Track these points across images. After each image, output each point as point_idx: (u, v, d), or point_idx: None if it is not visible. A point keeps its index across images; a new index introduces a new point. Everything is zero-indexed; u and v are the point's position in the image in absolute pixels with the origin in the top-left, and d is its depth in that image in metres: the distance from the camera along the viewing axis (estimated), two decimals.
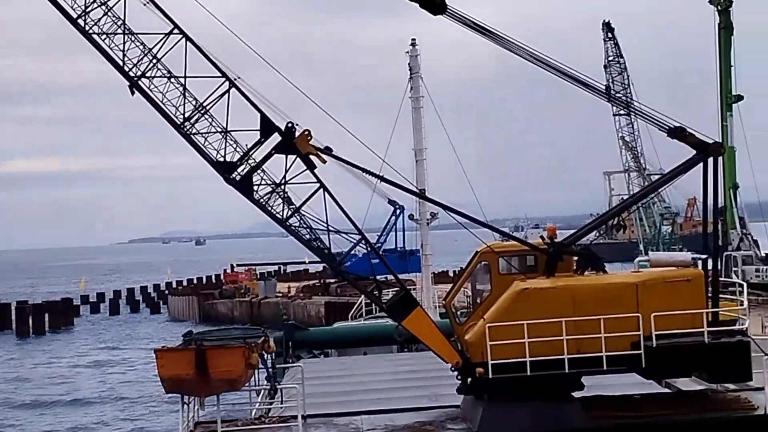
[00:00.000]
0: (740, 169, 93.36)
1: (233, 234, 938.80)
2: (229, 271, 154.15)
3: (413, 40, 58.47)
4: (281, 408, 30.26)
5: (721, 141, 30.88)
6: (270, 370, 29.93)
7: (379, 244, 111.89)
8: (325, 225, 28.44)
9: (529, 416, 26.60)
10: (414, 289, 61.19)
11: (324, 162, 27.91)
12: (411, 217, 62.14)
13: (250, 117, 28.21)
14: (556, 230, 29.43)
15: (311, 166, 27.85)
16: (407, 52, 58.42)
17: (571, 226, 37.16)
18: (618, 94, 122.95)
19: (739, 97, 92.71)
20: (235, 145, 28.32)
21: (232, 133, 28.29)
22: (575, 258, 29.02)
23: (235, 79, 27.80)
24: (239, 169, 28.21)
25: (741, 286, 29.64)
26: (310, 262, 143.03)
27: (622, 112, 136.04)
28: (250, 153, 28.23)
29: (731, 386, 29.71)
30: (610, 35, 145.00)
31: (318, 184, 27.89)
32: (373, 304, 49.74)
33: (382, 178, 29.18)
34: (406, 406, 30.27)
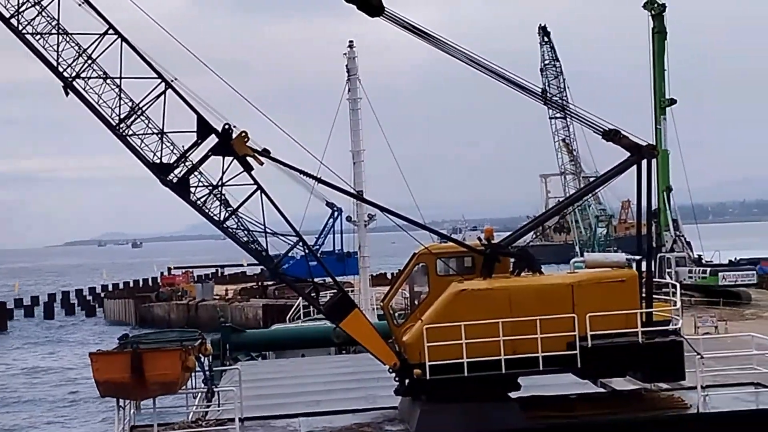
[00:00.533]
0: (673, 171, 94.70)
1: (170, 236, 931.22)
2: (166, 273, 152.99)
3: (351, 42, 58.53)
4: (218, 411, 30.09)
5: (654, 144, 31.25)
6: (207, 373, 29.74)
7: (317, 246, 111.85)
8: (263, 227, 28.32)
9: (466, 417, 26.72)
10: (352, 291, 61.23)
11: (261, 164, 27.81)
12: (349, 219, 62.21)
13: (187, 119, 28.03)
14: (493, 232, 29.63)
15: (248, 168, 27.74)
16: (345, 54, 58.42)
17: (508, 228, 37.41)
18: (554, 97, 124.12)
19: (673, 101, 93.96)
20: (171, 147, 28.09)
21: (168, 134, 28.06)
22: (512, 259, 29.23)
23: (172, 81, 27.59)
24: (176, 171, 27.99)
25: (674, 287, 30.01)
26: (248, 265, 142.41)
27: (558, 115, 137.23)
28: (187, 155, 28.03)
29: (664, 385, 30.12)
30: (546, 39, 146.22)
31: (255, 186, 27.79)
32: (311, 307, 49.66)
33: (319, 180, 29.12)
34: (343, 408, 30.29)
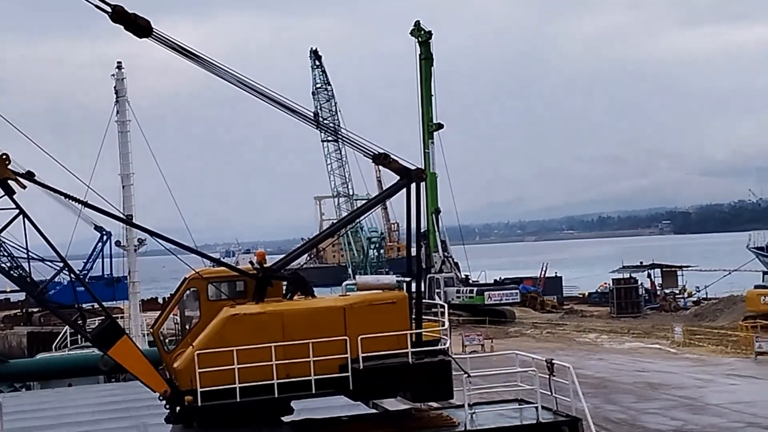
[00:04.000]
0: (441, 194, 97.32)
1: None
2: None
3: (119, 63, 57.22)
4: None
5: (423, 167, 31.95)
6: None
7: (86, 272, 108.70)
8: (26, 252, 27.22)
9: None
10: (122, 316, 59.82)
11: (24, 187, 26.67)
12: (118, 243, 60.64)
13: None
14: (265, 255, 29.51)
15: (10, 192, 26.57)
16: (113, 75, 57.11)
17: (282, 251, 37.50)
18: (326, 121, 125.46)
19: (440, 125, 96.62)
20: None
21: None
22: (285, 283, 29.20)
23: None
24: None
25: (443, 307, 30.68)
26: (10, 291, 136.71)
27: (330, 138, 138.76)
28: None
29: (434, 404, 30.74)
30: (318, 63, 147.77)
31: (17, 211, 26.66)
32: (79, 334, 48.12)
33: (86, 204, 28.20)
34: None
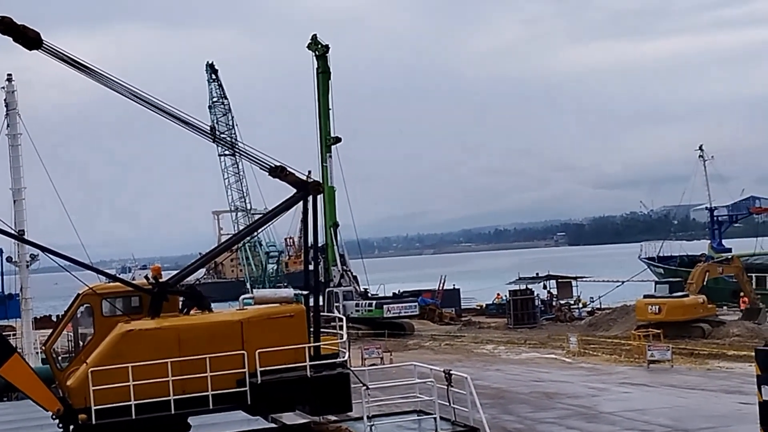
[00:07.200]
0: (340, 208, 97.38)
1: None
2: None
3: (9, 75, 55.99)
4: None
5: (320, 181, 32.02)
6: None
7: None
8: None
9: None
10: (14, 334, 58.56)
11: None
12: (9, 259, 59.30)
13: None
14: (160, 270, 29.17)
15: None
16: (3, 87, 55.88)
17: (180, 266, 37.12)
18: (223, 135, 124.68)
19: (338, 139, 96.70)
20: None
21: None
22: (181, 297, 28.92)
23: None
24: None
25: (341, 320, 30.75)
26: None
27: (227, 152, 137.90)
28: None
29: (333, 417, 30.73)
30: (214, 76, 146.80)
31: None
32: None
33: None
34: None
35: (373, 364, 51.29)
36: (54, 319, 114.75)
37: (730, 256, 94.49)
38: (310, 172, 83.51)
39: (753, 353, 24.84)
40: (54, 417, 26.96)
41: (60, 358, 28.61)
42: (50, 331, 31.94)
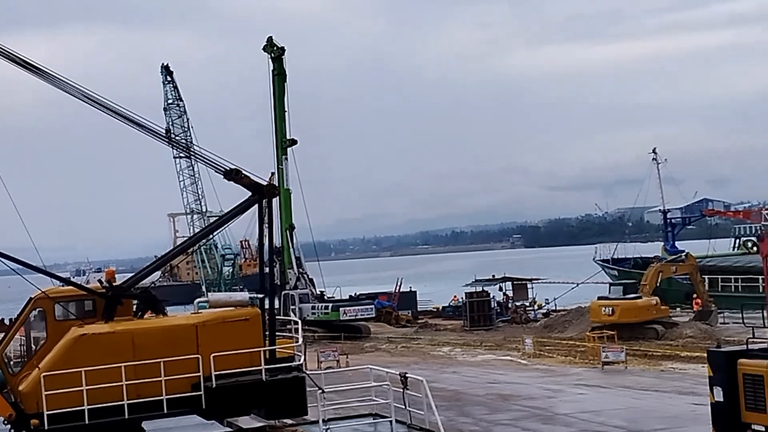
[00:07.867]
0: (296, 210, 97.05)
1: None
2: None
3: None
4: None
5: (276, 183, 31.95)
6: None
7: None
8: None
9: None
10: None
11: None
12: None
13: None
14: (114, 273, 29.01)
15: None
16: None
17: (135, 269, 36.83)
18: (178, 137, 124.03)
19: (293, 141, 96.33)
20: None
21: None
22: (135, 301, 28.72)
23: None
24: None
25: (297, 323, 30.71)
26: None
27: (182, 154, 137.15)
28: None
29: (289, 421, 30.66)
30: (169, 78, 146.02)
31: None
32: None
33: None
34: None
35: (329, 367, 51.18)
36: (7, 322, 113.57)
37: (684, 255, 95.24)
38: (272, 174, 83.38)
39: (705, 354, 25.07)
40: (6, 422, 26.70)
41: (12, 362, 28.31)
42: (2, 335, 31.61)
